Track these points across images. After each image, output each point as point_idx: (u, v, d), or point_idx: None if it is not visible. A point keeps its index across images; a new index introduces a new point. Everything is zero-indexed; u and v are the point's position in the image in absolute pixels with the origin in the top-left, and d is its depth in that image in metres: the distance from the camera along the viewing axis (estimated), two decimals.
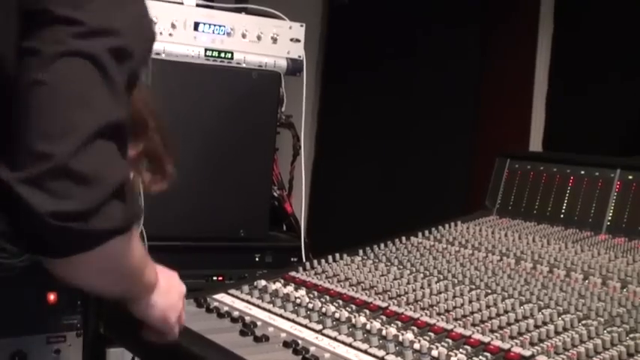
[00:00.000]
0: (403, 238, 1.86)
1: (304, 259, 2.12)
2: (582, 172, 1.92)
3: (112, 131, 0.90)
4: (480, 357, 1.18)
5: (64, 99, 0.87)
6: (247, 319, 1.43)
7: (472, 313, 1.34)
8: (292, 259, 2.18)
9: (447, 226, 1.94)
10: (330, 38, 3.10)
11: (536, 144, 2.84)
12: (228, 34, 2.18)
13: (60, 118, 0.87)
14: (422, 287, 1.50)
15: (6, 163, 0.85)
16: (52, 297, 1.79)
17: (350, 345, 1.26)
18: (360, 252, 1.79)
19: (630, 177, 1.83)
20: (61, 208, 0.85)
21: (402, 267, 1.66)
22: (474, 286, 1.50)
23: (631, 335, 1.23)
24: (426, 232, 1.90)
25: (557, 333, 1.24)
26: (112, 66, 0.90)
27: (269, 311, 1.47)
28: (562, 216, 1.92)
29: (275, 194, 2.30)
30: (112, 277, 1.05)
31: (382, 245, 1.82)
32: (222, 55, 2.17)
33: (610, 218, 1.82)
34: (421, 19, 2.90)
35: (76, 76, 0.88)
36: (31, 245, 0.92)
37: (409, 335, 1.26)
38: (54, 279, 0.98)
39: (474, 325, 1.30)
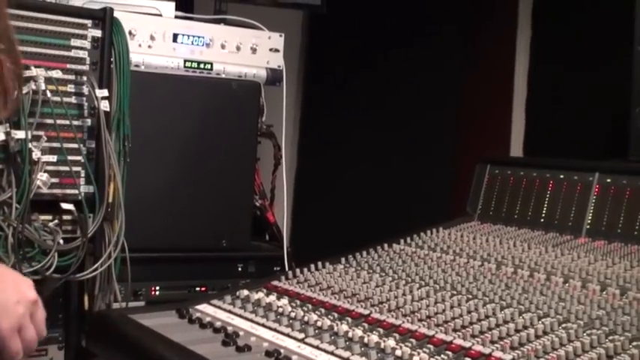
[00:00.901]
0: (385, 246, 1.87)
1: (287, 268, 2.12)
2: (561, 177, 1.94)
3: None
4: None
5: None
6: (229, 329, 1.43)
7: (453, 318, 1.35)
8: (275, 269, 2.18)
9: (428, 232, 1.95)
10: (310, 47, 3.11)
11: (516, 149, 2.86)
12: (207, 45, 2.18)
13: None
14: (404, 294, 1.51)
15: None
16: None
17: (332, 353, 1.26)
18: (343, 260, 1.79)
19: (608, 180, 1.84)
20: None
21: (384, 274, 1.67)
22: (455, 292, 1.51)
23: (610, 337, 1.23)
24: (408, 239, 1.91)
25: (537, 337, 1.25)
26: None
27: (251, 321, 1.47)
28: (542, 220, 1.93)
29: (257, 204, 2.30)
30: None
31: (364, 253, 1.83)
32: (202, 66, 2.17)
33: (589, 221, 1.83)
34: (401, 27, 2.91)
35: None
36: None
37: (391, 342, 1.26)
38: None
39: (455, 330, 1.30)
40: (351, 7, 2.88)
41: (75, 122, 1.78)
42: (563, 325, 1.30)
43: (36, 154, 1.69)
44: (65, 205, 1.76)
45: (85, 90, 1.79)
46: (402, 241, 1.90)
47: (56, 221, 1.75)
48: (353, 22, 2.93)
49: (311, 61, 3.10)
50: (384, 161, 2.93)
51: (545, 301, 1.40)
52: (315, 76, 3.09)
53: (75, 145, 1.77)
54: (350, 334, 1.31)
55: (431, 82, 2.91)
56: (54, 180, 1.74)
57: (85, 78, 1.79)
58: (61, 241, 1.72)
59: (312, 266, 1.75)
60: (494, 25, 2.97)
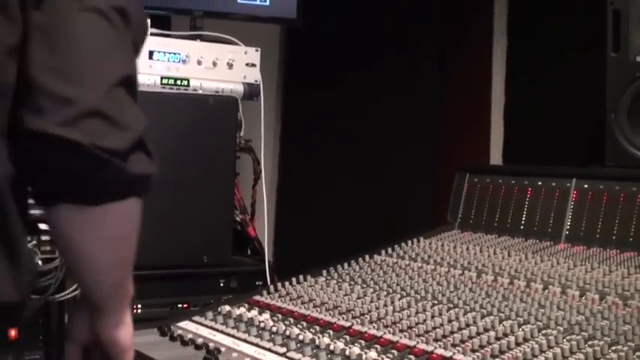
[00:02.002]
0: (367, 257, 1.87)
1: (269, 283, 2.12)
2: (539, 183, 1.95)
3: (130, 84, 0.94)
4: None
5: (87, 47, 0.91)
6: (211, 345, 1.42)
7: (434, 328, 1.35)
8: (257, 283, 2.18)
9: (409, 242, 1.96)
10: (289, 61, 3.12)
11: (496, 157, 2.87)
12: (184, 61, 2.18)
13: (86, 65, 0.91)
14: (385, 305, 1.51)
15: (28, 113, 0.88)
16: (12, 333, 1.76)
17: None
18: (324, 272, 1.79)
19: (586, 186, 1.86)
20: (102, 143, 0.88)
21: (365, 285, 1.67)
22: (436, 302, 1.51)
23: (589, 342, 1.24)
24: (389, 250, 1.91)
25: (517, 344, 1.26)
26: (121, 25, 0.95)
27: (233, 336, 1.46)
28: (522, 227, 1.94)
29: (237, 219, 2.30)
30: (118, 251, 1.02)
31: (346, 265, 1.83)
32: (179, 82, 2.18)
33: (568, 227, 1.85)
34: (378, 40, 2.93)
35: (96, 28, 0.93)
36: (71, 189, 0.93)
37: (372, 354, 1.26)
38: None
39: (436, 340, 1.30)
40: (328, 21, 2.90)
41: None
42: (543, 332, 1.30)
43: None
44: (43, 226, 1.75)
45: None
46: (383, 252, 1.90)
47: (34, 242, 1.74)
48: (330, 35, 2.94)
49: (289, 75, 3.11)
50: (365, 173, 2.93)
51: (525, 308, 1.41)
52: (294, 90, 3.10)
53: None
54: (332, 347, 1.31)
55: (409, 93, 2.92)
56: (31, 200, 1.73)
57: None
58: (40, 262, 1.71)
59: (294, 280, 1.75)
60: (471, 35, 2.99)
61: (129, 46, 0.97)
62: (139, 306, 2.03)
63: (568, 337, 1.27)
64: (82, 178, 0.91)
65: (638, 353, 1.19)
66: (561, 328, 1.31)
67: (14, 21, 0.91)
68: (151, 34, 2.16)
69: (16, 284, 0.92)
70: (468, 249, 1.85)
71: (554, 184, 1.92)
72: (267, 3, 2.44)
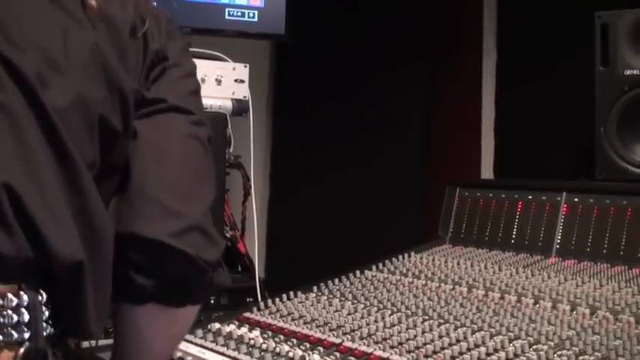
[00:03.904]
0: (357, 272, 1.86)
1: (260, 299, 2.11)
2: (530, 197, 1.95)
3: (213, 204, 1.09)
4: None
5: (194, 172, 1.07)
6: None
7: (425, 344, 1.34)
8: (248, 300, 2.16)
9: (400, 257, 1.95)
10: (278, 77, 3.12)
11: (487, 171, 2.88)
12: None
13: (194, 186, 1.06)
14: (375, 321, 1.50)
15: (141, 220, 1.00)
16: None
17: None
18: (315, 288, 1.78)
19: (576, 199, 1.86)
20: (204, 255, 1.02)
21: (355, 301, 1.66)
22: (427, 317, 1.50)
23: (580, 357, 1.24)
24: (380, 265, 1.90)
25: (508, 359, 1.25)
26: (210, 152, 1.12)
27: (222, 354, 1.45)
28: (513, 241, 1.94)
29: (227, 235, 2.29)
30: (174, 345, 1.19)
31: (336, 280, 1.82)
32: None
33: (559, 241, 1.84)
34: (367, 55, 2.93)
35: (199, 156, 1.09)
36: (164, 292, 1.03)
37: None
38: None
39: (426, 356, 1.29)
40: (317, 37, 2.90)
41: None
42: (534, 347, 1.30)
43: None
44: None
45: None
46: (374, 267, 1.89)
47: None
48: (320, 51, 2.94)
49: (279, 90, 3.11)
50: (356, 187, 2.93)
51: (516, 323, 1.40)
52: (284, 106, 3.10)
53: None
54: None
55: (399, 108, 2.92)
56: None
57: None
58: None
59: (284, 296, 1.74)
60: (460, 49, 3.00)
61: (213, 171, 1.14)
62: None
63: (559, 353, 1.26)
64: (182, 284, 1.03)
65: None
66: (552, 344, 1.30)
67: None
68: None
69: (99, 321, 0.99)
70: (459, 264, 1.84)
71: (544, 197, 1.92)
72: (256, 19, 2.44)
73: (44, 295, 0.91)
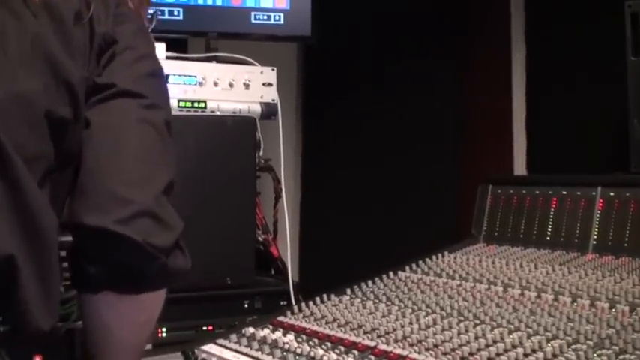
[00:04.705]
0: (391, 274, 1.85)
1: (293, 302, 2.10)
2: (564, 193, 1.92)
3: (172, 189, 1.08)
4: None
5: (144, 158, 1.05)
6: None
7: (461, 345, 1.32)
8: (282, 303, 2.16)
9: (434, 257, 1.93)
10: (306, 79, 3.11)
11: (520, 168, 2.85)
12: (200, 83, 2.19)
13: (143, 172, 1.04)
14: (410, 323, 1.48)
15: (89, 210, 1.00)
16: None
17: None
18: (348, 290, 1.77)
19: (612, 194, 1.82)
20: (152, 241, 1.01)
21: (390, 303, 1.64)
22: (462, 318, 1.48)
23: (620, 357, 1.21)
24: (414, 266, 1.88)
25: None
26: (167, 137, 1.10)
27: (257, 359, 1.44)
28: (548, 238, 1.90)
29: (260, 239, 2.29)
30: (144, 333, 1.17)
31: (370, 282, 1.80)
32: (196, 104, 2.18)
33: (595, 237, 1.81)
34: (395, 52, 2.92)
35: (151, 141, 1.07)
36: (118, 279, 1.03)
37: None
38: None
39: (462, 358, 1.28)
40: (344, 37, 2.89)
41: None
42: (573, 346, 1.27)
43: None
44: (64, 252, 1.75)
45: None
46: (407, 267, 1.87)
47: None
48: (347, 51, 2.93)
49: (307, 92, 3.11)
50: (387, 188, 2.91)
51: (554, 322, 1.38)
52: (312, 107, 3.09)
53: None
54: None
55: (428, 106, 2.91)
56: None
57: None
58: (62, 289, 1.71)
59: (318, 299, 1.72)
60: (489, 45, 2.97)
61: (172, 154, 1.11)
62: (164, 329, 2.02)
63: (598, 352, 1.24)
64: (132, 270, 1.03)
65: None
66: (591, 343, 1.28)
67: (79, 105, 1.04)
68: (168, 58, 2.17)
69: (47, 313, 1.00)
70: (493, 262, 1.82)
71: (579, 193, 1.89)
72: (281, 22, 2.44)
73: None
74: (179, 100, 2.14)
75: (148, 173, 1.05)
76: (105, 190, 1.01)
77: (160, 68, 1.17)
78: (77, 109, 1.03)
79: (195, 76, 2.17)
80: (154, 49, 1.17)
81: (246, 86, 2.24)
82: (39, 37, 0.99)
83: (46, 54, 0.99)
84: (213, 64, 2.25)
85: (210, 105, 2.19)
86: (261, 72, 2.27)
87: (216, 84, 2.20)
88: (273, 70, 2.30)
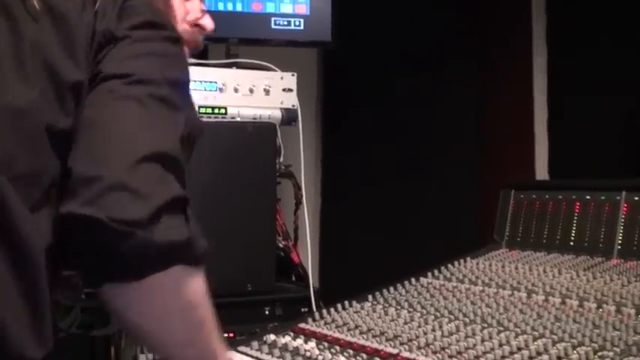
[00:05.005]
0: (413, 280, 1.83)
1: (315, 309, 2.09)
2: (588, 197, 1.89)
3: (163, 159, 0.96)
4: None
5: (116, 130, 0.96)
6: None
7: (485, 353, 1.31)
8: (303, 310, 2.15)
9: (456, 263, 1.91)
10: (327, 85, 3.11)
11: (542, 172, 2.82)
12: (220, 89, 2.19)
13: (112, 145, 0.95)
14: (433, 330, 1.47)
15: (63, 197, 0.92)
16: None
17: None
18: (370, 297, 1.75)
19: (636, 198, 1.80)
20: (119, 215, 0.89)
21: (412, 310, 1.63)
22: (485, 325, 1.47)
23: None
24: (436, 272, 1.87)
25: None
26: (157, 109, 0.99)
27: None
28: (572, 243, 1.88)
29: (280, 245, 2.28)
30: (174, 323, 1.01)
31: (392, 288, 1.79)
32: (216, 110, 2.18)
33: (620, 242, 1.78)
34: (416, 59, 2.90)
35: (128, 113, 0.97)
36: (107, 268, 0.93)
37: None
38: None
39: None
40: (363, 42, 2.88)
41: None
42: (599, 354, 1.25)
43: None
44: None
45: None
46: (429, 274, 1.86)
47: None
48: (368, 56, 2.93)
49: (328, 98, 3.10)
50: (408, 194, 2.90)
51: (579, 328, 1.36)
52: (333, 113, 3.09)
53: None
54: None
55: (450, 112, 2.89)
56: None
57: None
58: (83, 296, 1.71)
59: (339, 306, 1.71)
60: (511, 48, 2.95)
61: (166, 126, 1.00)
62: None
63: (625, 359, 1.22)
64: (110, 253, 0.91)
65: None
66: (618, 350, 1.25)
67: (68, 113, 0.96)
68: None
69: (37, 342, 0.91)
70: (516, 268, 1.80)
71: (603, 197, 1.86)
72: (302, 27, 2.44)
73: None
74: (199, 107, 2.14)
75: (121, 146, 0.95)
76: (75, 175, 0.93)
77: (166, 50, 1.06)
78: (78, 115, 0.97)
79: (216, 83, 2.18)
80: (161, 38, 1.06)
81: (267, 92, 2.24)
82: (38, 44, 0.94)
83: (46, 62, 0.94)
84: (234, 70, 2.25)
85: (231, 111, 2.19)
86: (282, 78, 2.27)
87: (236, 90, 2.20)
88: (293, 75, 2.29)
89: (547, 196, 1.99)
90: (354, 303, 1.73)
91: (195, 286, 1.02)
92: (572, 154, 2.71)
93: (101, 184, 0.90)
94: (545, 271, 1.74)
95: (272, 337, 1.59)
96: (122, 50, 1.01)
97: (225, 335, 2.07)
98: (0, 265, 0.88)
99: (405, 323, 1.54)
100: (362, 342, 1.48)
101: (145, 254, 0.92)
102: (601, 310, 1.45)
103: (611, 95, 2.51)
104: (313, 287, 2.21)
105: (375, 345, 1.45)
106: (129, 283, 0.93)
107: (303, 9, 2.47)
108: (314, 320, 1.67)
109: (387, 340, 1.46)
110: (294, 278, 2.36)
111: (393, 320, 1.58)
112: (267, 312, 2.14)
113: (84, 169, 0.92)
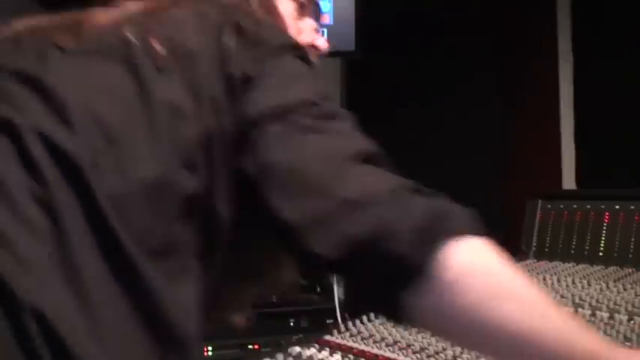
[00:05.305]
0: None
1: (340, 321, 2.08)
2: (617, 207, 1.87)
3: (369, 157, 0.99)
4: None
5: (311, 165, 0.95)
6: None
7: None
8: (328, 321, 2.14)
9: None
10: (350, 94, 3.10)
11: (569, 182, 2.79)
12: None
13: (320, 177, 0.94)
14: None
15: (299, 248, 0.91)
16: None
17: None
18: None
19: None
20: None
21: None
22: None
23: None
24: None
25: None
26: (326, 126, 1.02)
27: None
28: (601, 254, 1.86)
29: None
30: (482, 328, 0.84)
31: None
32: None
33: None
34: (441, 67, 2.89)
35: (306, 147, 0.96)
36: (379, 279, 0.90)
37: None
38: None
39: None
40: (386, 51, 2.87)
41: None
42: None
43: None
44: None
45: None
46: None
47: None
48: (390, 66, 2.92)
49: (351, 107, 3.09)
50: None
51: (610, 341, 1.33)
52: (356, 122, 3.08)
53: None
54: None
55: (475, 121, 2.87)
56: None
57: None
58: None
59: (365, 317, 1.70)
60: (535, 57, 2.93)
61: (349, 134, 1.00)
62: (210, 348, 2.02)
63: None
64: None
65: None
66: None
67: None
68: None
69: None
70: (544, 279, 1.78)
71: (632, 207, 1.84)
72: (325, 37, 2.43)
73: None
74: None
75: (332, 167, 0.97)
76: (300, 230, 0.91)
77: (301, 69, 1.03)
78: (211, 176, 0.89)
79: None
80: (292, 59, 1.01)
81: None
82: (172, 105, 0.87)
83: (171, 126, 0.87)
84: None
85: None
86: None
87: None
88: None
89: (575, 206, 1.96)
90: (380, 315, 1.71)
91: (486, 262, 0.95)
92: (599, 163, 2.68)
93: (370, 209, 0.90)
94: (574, 282, 1.72)
95: (297, 349, 1.58)
96: (264, 87, 0.95)
97: (250, 347, 2.08)
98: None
99: (432, 335, 1.52)
100: (388, 354, 1.46)
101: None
102: (632, 322, 1.43)
103: (638, 105, 2.48)
104: (338, 299, 2.20)
105: (402, 358, 1.43)
106: (416, 286, 0.86)
107: (327, 19, 2.47)
108: (339, 332, 1.65)
109: (414, 352, 1.45)
110: (319, 289, 2.34)
111: (419, 332, 1.56)
112: (292, 323, 2.13)
113: (305, 224, 0.89)
